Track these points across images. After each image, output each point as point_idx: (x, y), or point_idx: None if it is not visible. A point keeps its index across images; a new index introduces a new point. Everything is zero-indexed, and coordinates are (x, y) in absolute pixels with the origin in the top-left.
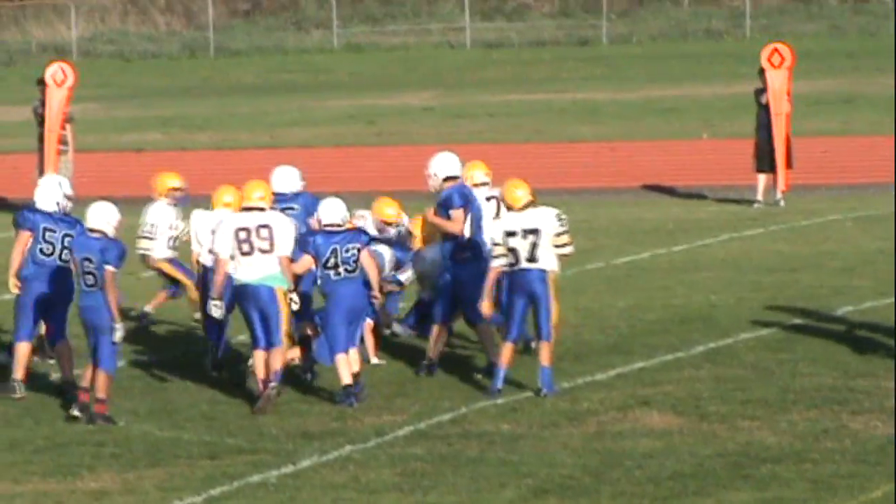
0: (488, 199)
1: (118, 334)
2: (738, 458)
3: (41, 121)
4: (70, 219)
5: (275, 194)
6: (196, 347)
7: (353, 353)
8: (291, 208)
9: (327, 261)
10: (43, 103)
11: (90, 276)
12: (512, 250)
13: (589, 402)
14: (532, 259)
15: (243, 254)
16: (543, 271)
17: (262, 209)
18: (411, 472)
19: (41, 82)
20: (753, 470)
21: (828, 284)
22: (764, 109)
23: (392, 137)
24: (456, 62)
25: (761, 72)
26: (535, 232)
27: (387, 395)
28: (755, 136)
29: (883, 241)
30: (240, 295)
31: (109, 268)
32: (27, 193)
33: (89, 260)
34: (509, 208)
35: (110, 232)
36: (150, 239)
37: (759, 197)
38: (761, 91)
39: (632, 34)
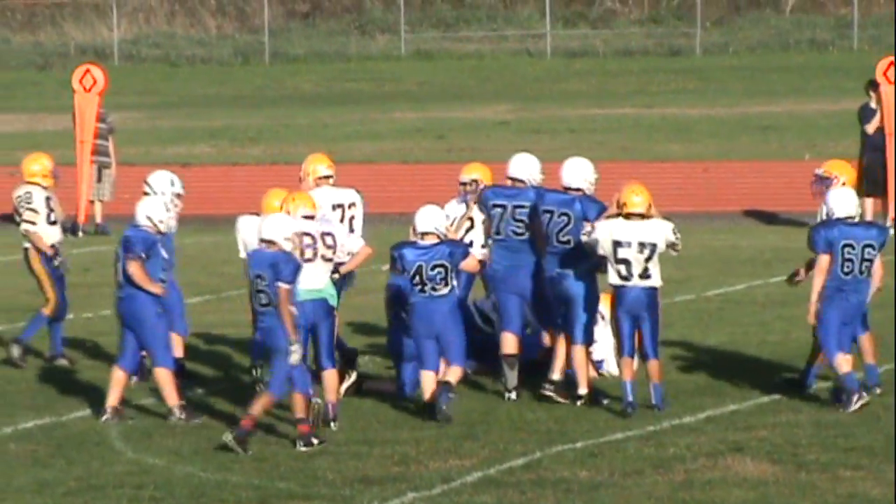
0: (334, 206)
1: (294, 356)
2: None
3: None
4: (136, 235)
5: (512, 180)
6: (244, 381)
7: (457, 368)
8: (522, 206)
9: (413, 276)
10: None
11: (262, 295)
12: (623, 262)
13: (676, 447)
14: (645, 276)
15: (306, 261)
16: (655, 289)
17: (312, 217)
18: None
19: None
20: None
21: None
22: (872, 134)
23: (464, 154)
24: (535, 72)
25: (872, 85)
26: (652, 246)
27: (454, 436)
28: (859, 158)
29: None
30: (316, 309)
31: (283, 285)
32: (67, 209)
33: (261, 277)
34: (621, 211)
35: (285, 245)
36: None
37: None
38: (869, 112)
39: (728, 44)
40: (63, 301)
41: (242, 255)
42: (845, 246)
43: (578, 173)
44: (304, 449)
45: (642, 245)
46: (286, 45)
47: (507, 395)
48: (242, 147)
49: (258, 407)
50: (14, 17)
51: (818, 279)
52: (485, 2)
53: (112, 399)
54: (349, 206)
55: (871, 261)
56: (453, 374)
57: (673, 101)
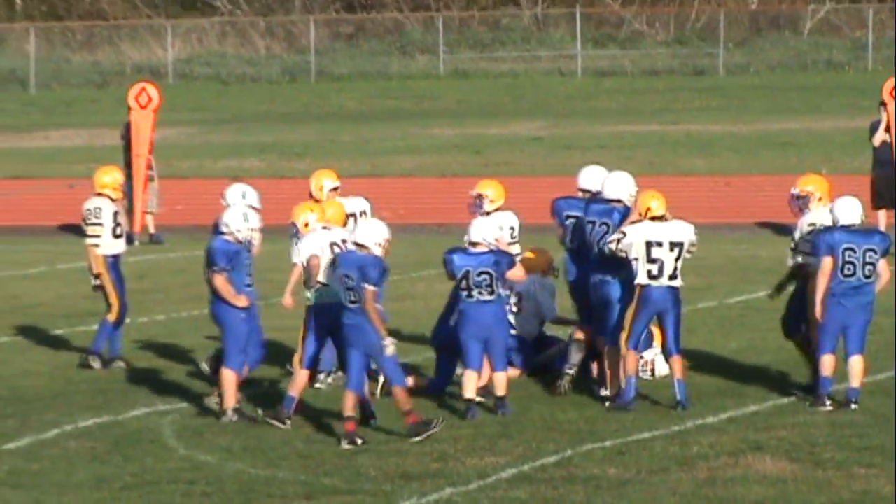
0: (348, 215)
1: (389, 349)
2: None
3: (129, 146)
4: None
5: (583, 191)
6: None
7: (501, 375)
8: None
9: (460, 281)
10: (129, 127)
11: (351, 293)
12: (656, 262)
13: (699, 446)
14: (673, 276)
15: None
16: (678, 289)
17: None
18: None
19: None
20: None
21: None
22: (880, 148)
23: (499, 168)
24: (566, 90)
25: (883, 105)
26: (680, 245)
27: (490, 435)
28: (872, 172)
29: None
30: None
31: (369, 287)
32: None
33: (349, 276)
34: (643, 216)
35: (376, 250)
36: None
37: None
38: (878, 127)
39: (749, 64)
40: (125, 306)
41: (295, 260)
42: (846, 249)
43: (620, 186)
44: (347, 446)
45: (672, 244)
46: (331, 64)
47: (566, 368)
48: (290, 161)
49: (403, 402)
50: (74, 38)
51: (822, 281)
52: (519, 24)
53: (229, 400)
54: (361, 214)
55: (873, 264)
56: (500, 385)
57: (697, 118)
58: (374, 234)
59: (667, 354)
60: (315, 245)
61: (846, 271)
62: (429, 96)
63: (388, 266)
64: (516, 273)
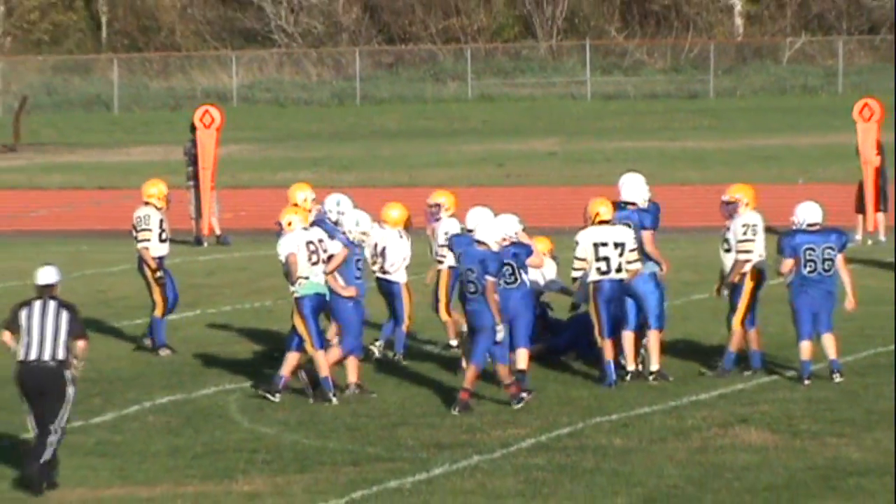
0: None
1: (500, 335)
2: (826, 471)
3: (194, 160)
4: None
5: (624, 203)
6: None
7: (523, 351)
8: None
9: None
10: (195, 144)
11: (472, 285)
12: (604, 259)
13: (693, 419)
14: (619, 270)
15: (313, 263)
16: (623, 281)
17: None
18: (533, 480)
19: (194, 128)
20: (841, 482)
21: None
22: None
23: (519, 179)
24: (577, 112)
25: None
26: (622, 245)
27: (511, 410)
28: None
29: None
30: (321, 303)
31: (490, 278)
32: (183, 225)
33: (471, 270)
34: (593, 221)
35: (493, 246)
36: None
37: (857, 236)
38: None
39: (736, 89)
40: (174, 298)
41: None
42: (807, 249)
43: (634, 190)
44: (456, 412)
45: (616, 244)
46: (374, 89)
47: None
48: (338, 173)
49: (504, 377)
50: (151, 67)
51: (784, 279)
52: (536, 55)
53: (350, 376)
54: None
55: (832, 260)
56: (522, 359)
57: (691, 136)
58: (493, 234)
59: (601, 338)
60: (292, 243)
61: (808, 268)
62: (458, 117)
63: (504, 260)
64: (534, 260)
